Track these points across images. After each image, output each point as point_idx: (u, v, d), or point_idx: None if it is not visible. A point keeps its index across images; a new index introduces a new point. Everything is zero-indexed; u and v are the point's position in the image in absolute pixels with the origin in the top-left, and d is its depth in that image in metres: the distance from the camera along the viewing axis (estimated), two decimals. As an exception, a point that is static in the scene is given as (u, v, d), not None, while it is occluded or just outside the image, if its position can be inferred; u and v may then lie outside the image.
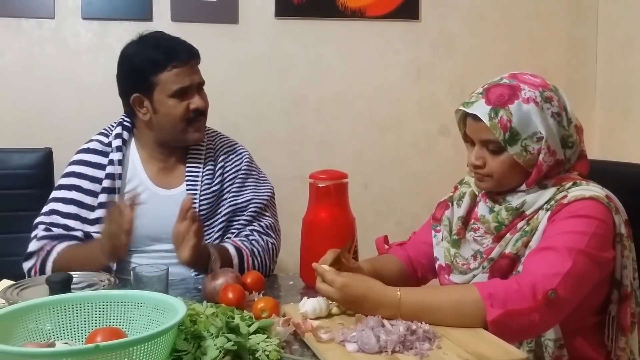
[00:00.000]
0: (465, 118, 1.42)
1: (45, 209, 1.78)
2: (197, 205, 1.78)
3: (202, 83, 1.80)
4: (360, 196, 2.67)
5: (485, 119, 1.34)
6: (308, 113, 2.72)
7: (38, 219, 1.77)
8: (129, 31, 2.50)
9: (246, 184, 1.85)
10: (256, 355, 1.08)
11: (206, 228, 1.79)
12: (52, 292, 1.23)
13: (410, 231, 1.74)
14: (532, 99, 1.34)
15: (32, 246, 1.73)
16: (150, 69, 1.71)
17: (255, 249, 1.74)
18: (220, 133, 1.95)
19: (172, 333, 0.98)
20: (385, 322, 1.20)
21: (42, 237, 1.72)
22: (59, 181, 1.82)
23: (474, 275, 1.41)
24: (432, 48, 2.80)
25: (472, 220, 1.49)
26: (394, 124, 2.80)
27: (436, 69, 2.81)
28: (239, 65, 2.64)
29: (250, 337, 1.12)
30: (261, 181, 1.89)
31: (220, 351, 1.01)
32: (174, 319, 0.97)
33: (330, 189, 1.65)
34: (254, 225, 1.80)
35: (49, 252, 1.68)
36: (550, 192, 1.37)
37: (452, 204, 1.55)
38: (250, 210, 1.81)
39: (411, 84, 2.79)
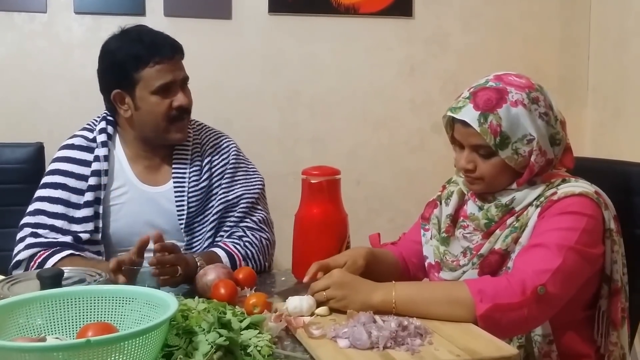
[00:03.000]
0: (452, 122, 1.42)
1: (31, 208, 1.72)
2: (185, 202, 1.75)
3: (186, 79, 1.74)
4: (353, 193, 2.67)
5: (475, 125, 1.34)
6: (301, 110, 2.72)
7: (23, 220, 1.72)
8: (121, 26, 2.49)
9: (236, 178, 1.82)
10: (248, 351, 1.07)
11: (196, 225, 1.77)
12: (43, 287, 1.22)
13: (403, 228, 1.74)
14: (520, 102, 1.34)
15: (21, 255, 1.67)
16: (132, 64, 1.66)
17: (248, 252, 1.72)
18: (205, 126, 1.90)
19: (164, 328, 0.98)
20: (377, 317, 1.20)
21: (31, 245, 1.67)
22: (44, 179, 1.77)
23: (464, 272, 1.42)
24: (425, 45, 2.80)
25: (462, 218, 1.49)
26: (387, 122, 2.80)
27: (429, 66, 2.81)
28: (232, 61, 2.64)
29: (242, 332, 1.12)
30: (250, 173, 1.86)
31: (212, 346, 1.01)
32: (165, 314, 0.96)
33: (323, 185, 1.65)
34: (246, 222, 1.78)
35: (41, 265, 1.62)
36: (539, 189, 1.38)
37: (441, 203, 1.56)
38: (241, 206, 1.79)
39: (404, 81, 2.79)
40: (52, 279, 1.23)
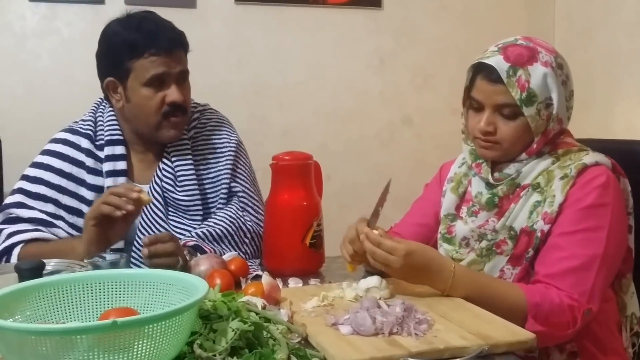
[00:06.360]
0: (474, 80, 1.35)
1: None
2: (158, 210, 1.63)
3: (184, 73, 1.62)
4: (323, 188, 2.60)
5: (503, 76, 1.28)
6: (270, 103, 2.63)
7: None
8: (78, 15, 2.37)
9: (233, 188, 1.71)
10: (269, 330, 0.99)
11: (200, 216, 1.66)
12: (22, 280, 1.09)
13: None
14: (549, 64, 1.30)
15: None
16: (127, 53, 1.55)
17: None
18: (207, 118, 1.77)
19: (194, 311, 0.88)
20: (381, 302, 1.13)
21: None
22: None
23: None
24: (394, 37, 2.75)
25: (470, 204, 1.43)
26: (357, 115, 2.74)
27: (399, 58, 2.76)
28: (196, 52, 2.44)
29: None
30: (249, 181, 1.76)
31: (235, 332, 0.92)
32: (195, 297, 0.86)
33: (293, 168, 1.57)
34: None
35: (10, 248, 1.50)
36: (547, 161, 1.34)
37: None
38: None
39: (374, 73, 2.74)
40: (32, 272, 1.10)
